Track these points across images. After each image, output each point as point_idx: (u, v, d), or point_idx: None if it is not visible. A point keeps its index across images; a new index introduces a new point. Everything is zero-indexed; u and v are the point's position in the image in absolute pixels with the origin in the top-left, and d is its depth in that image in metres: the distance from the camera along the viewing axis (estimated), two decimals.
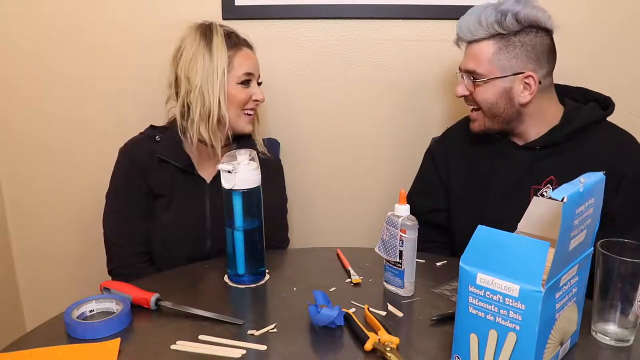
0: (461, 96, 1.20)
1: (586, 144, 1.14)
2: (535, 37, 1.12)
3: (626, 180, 1.10)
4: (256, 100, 1.23)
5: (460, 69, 1.20)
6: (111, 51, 1.50)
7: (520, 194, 1.17)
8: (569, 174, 1.10)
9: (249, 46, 1.24)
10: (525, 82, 1.12)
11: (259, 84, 1.27)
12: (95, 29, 1.49)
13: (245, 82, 1.21)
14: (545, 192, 1.15)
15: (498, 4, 1.12)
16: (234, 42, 1.20)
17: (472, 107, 1.21)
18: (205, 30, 1.19)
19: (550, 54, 1.15)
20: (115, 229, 1.23)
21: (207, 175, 1.25)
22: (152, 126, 1.29)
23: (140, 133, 1.27)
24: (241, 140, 1.29)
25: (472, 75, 1.15)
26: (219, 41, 1.17)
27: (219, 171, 1.21)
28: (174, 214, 1.22)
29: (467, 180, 1.26)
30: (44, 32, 1.49)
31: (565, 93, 1.22)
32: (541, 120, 1.17)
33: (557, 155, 1.16)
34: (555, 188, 1.11)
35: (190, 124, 1.19)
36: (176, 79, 1.21)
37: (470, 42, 1.15)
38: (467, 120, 1.30)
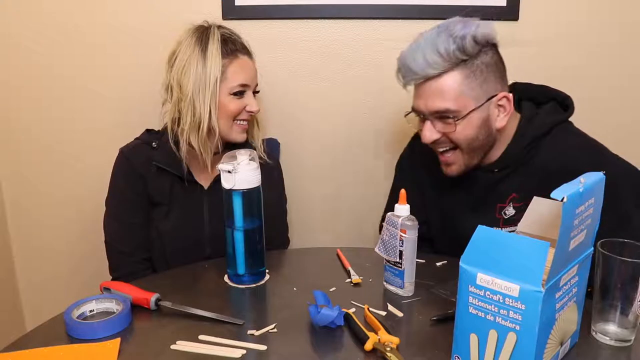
0: (431, 142, 1.07)
1: (541, 155, 1.08)
2: (493, 54, 1.04)
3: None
4: (250, 112, 1.20)
5: (417, 111, 1.08)
6: (111, 51, 1.50)
7: (487, 212, 1.14)
8: (529, 189, 1.02)
9: (248, 53, 1.20)
10: (499, 105, 1.05)
11: (257, 92, 1.24)
12: (95, 29, 1.49)
13: (239, 93, 1.17)
14: (508, 210, 1.12)
15: (448, 31, 1.00)
16: (231, 49, 1.16)
17: (442, 149, 1.09)
18: (202, 35, 1.15)
19: (504, 68, 1.08)
20: (117, 235, 1.21)
21: (204, 182, 1.24)
22: (147, 130, 1.28)
23: (137, 138, 1.26)
24: (237, 147, 1.25)
25: (444, 114, 1.03)
26: (214, 48, 1.13)
27: (216, 177, 1.22)
28: (173, 221, 1.21)
29: (437, 195, 1.23)
30: (45, 32, 1.49)
31: (526, 93, 1.16)
32: (504, 138, 1.10)
33: (515, 174, 1.10)
34: (517, 205, 1.10)
35: (181, 132, 1.17)
36: (170, 83, 1.19)
37: (429, 79, 1.02)
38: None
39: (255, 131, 1.30)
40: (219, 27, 1.19)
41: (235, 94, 1.17)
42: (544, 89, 1.17)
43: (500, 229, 1.12)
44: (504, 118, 1.06)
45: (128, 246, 1.21)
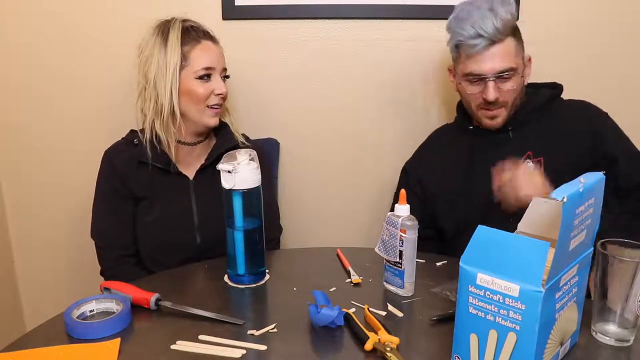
0: (494, 100, 1.17)
1: (550, 118, 1.23)
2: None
3: (600, 133, 1.19)
4: (219, 94, 1.21)
5: (478, 75, 1.17)
6: (111, 51, 1.50)
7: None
8: (543, 147, 1.19)
9: (211, 38, 1.22)
10: (524, 64, 1.21)
11: (227, 77, 1.25)
12: (95, 29, 1.49)
13: (205, 77, 1.19)
14: (529, 163, 1.19)
15: (499, 4, 1.14)
16: (192, 36, 1.19)
17: (495, 107, 1.20)
18: (163, 27, 1.19)
19: None
20: (98, 233, 1.26)
21: (189, 172, 1.26)
22: (132, 130, 1.29)
23: (122, 138, 1.28)
24: (219, 134, 1.29)
25: (508, 72, 1.16)
26: (174, 37, 1.17)
27: (201, 167, 1.25)
28: (160, 213, 1.23)
29: (445, 178, 1.29)
30: (45, 32, 1.49)
31: None
32: (514, 105, 1.24)
33: (529, 133, 1.23)
34: (534, 161, 1.19)
35: (146, 120, 1.20)
36: (138, 77, 1.22)
37: (493, 44, 1.14)
38: (437, 133, 1.39)
39: (228, 118, 1.31)
40: (184, 20, 1.21)
41: (201, 77, 1.18)
42: (533, 84, 1.30)
43: None
44: (528, 77, 1.25)
45: (107, 243, 1.25)
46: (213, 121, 1.23)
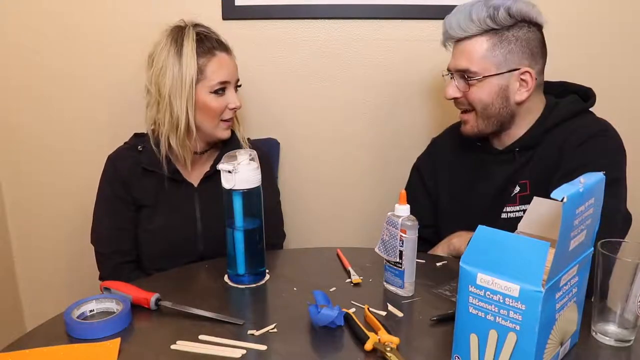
0: (452, 98, 1.15)
1: (554, 143, 1.11)
2: (528, 31, 1.09)
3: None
4: (233, 109, 1.20)
5: (449, 70, 1.16)
6: (111, 52, 1.50)
7: (501, 201, 1.17)
8: (540, 178, 1.11)
9: (225, 49, 1.20)
10: (521, 79, 1.10)
11: (239, 86, 1.24)
12: (95, 30, 1.49)
13: (220, 91, 1.18)
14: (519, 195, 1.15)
15: (485, 0, 1.08)
16: (207, 47, 1.16)
17: (461, 109, 1.17)
18: (177, 36, 1.16)
19: (542, 50, 1.12)
20: (99, 239, 1.25)
21: (194, 179, 1.25)
22: (136, 134, 1.28)
23: (125, 143, 1.27)
24: (226, 141, 1.27)
25: (465, 74, 1.11)
26: (189, 48, 1.14)
27: (206, 174, 1.24)
28: (164, 220, 1.22)
29: (452, 193, 1.26)
30: (45, 32, 1.49)
31: (546, 88, 1.19)
32: (528, 120, 1.15)
33: (537, 156, 1.13)
34: (528, 193, 1.12)
35: (160, 133, 1.18)
36: (148, 85, 1.20)
37: (460, 40, 1.11)
38: (452, 129, 1.31)
39: (237, 127, 1.30)
40: (195, 25, 1.19)
41: (216, 91, 1.17)
42: (563, 84, 1.22)
43: (519, 205, 1.16)
44: (524, 93, 1.10)
45: (108, 250, 1.23)
46: (225, 134, 1.23)
